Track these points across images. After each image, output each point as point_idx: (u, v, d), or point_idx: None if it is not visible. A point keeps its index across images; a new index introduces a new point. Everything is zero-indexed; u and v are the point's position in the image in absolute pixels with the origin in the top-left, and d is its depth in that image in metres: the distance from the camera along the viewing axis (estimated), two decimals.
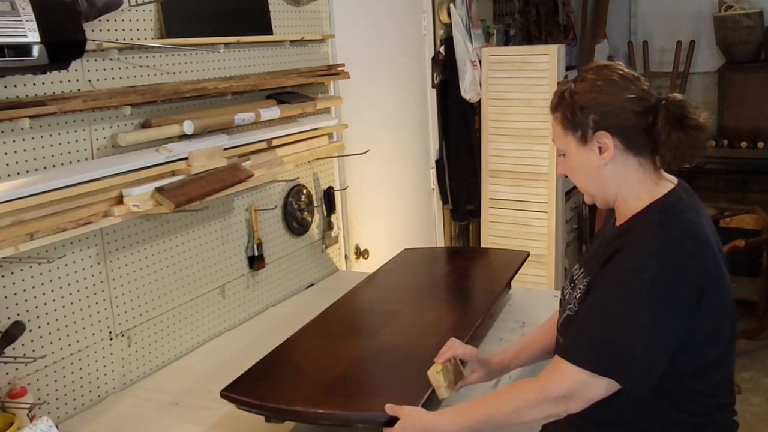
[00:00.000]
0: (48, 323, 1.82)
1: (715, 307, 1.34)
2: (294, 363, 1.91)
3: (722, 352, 1.39)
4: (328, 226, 2.90)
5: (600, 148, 1.40)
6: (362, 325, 2.18)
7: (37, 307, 1.79)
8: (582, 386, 1.34)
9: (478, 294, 2.45)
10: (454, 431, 1.45)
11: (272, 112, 2.36)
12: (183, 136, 2.06)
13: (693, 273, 1.31)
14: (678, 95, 1.39)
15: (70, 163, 1.83)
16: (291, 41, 2.56)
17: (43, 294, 1.81)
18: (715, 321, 1.35)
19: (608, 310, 1.34)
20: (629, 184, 1.42)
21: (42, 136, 1.77)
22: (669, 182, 1.44)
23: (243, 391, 1.74)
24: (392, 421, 1.51)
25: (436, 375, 1.60)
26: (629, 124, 1.38)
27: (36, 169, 1.75)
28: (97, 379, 1.96)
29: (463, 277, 2.60)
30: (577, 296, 1.46)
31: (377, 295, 2.38)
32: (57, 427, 1.55)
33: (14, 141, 1.70)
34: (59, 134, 1.81)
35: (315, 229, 2.83)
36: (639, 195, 1.41)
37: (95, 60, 1.88)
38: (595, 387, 1.34)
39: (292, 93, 2.54)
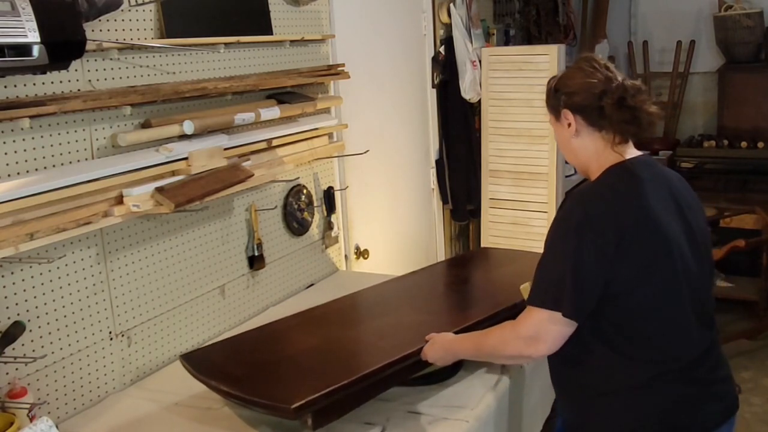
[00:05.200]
0: (48, 323, 1.82)
1: (637, 256, 1.55)
2: (255, 342, 1.99)
3: (657, 308, 1.58)
4: (328, 226, 2.90)
5: (569, 124, 1.67)
6: (345, 318, 2.18)
7: (37, 307, 1.79)
8: (543, 324, 1.58)
9: (490, 301, 2.26)
10: (464, 350, 1.80)
11: (272, 112, 2.36)
12: (183, 136, 2.06)
13: (609, 221, 1.55)
14: (627, 82, 1.63)
15: (70, 163, 1.83)
16: (291, 41, 2.56)
17: (43, 294, 1.81)
18: (637, 269, 1.55)
19: (548, 252, 1.63)
20: (595, 155, 1.67)
21: (42, 136, 1.77)
22: (628, 155, 1.66)
23: (191, 358, 1.88)
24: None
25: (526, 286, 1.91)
26: (587, 104, 1.64)
27: (36, 169, 1.75)
28: (97, 379, 1.96)
29: (500, 282, 2.42)
30: None
31: (393, 291, 2.37)
32: (57, 427, 1.55)
33: (14, 141, 1.70)
34: (59, 134, 1.81)
35: (315, 229, 2.83)
36: (601, 164, 1.67)
37: (95, 60, 1.88)
38: (555, 324, 1.57)
39: (292, 93, 2.54)
